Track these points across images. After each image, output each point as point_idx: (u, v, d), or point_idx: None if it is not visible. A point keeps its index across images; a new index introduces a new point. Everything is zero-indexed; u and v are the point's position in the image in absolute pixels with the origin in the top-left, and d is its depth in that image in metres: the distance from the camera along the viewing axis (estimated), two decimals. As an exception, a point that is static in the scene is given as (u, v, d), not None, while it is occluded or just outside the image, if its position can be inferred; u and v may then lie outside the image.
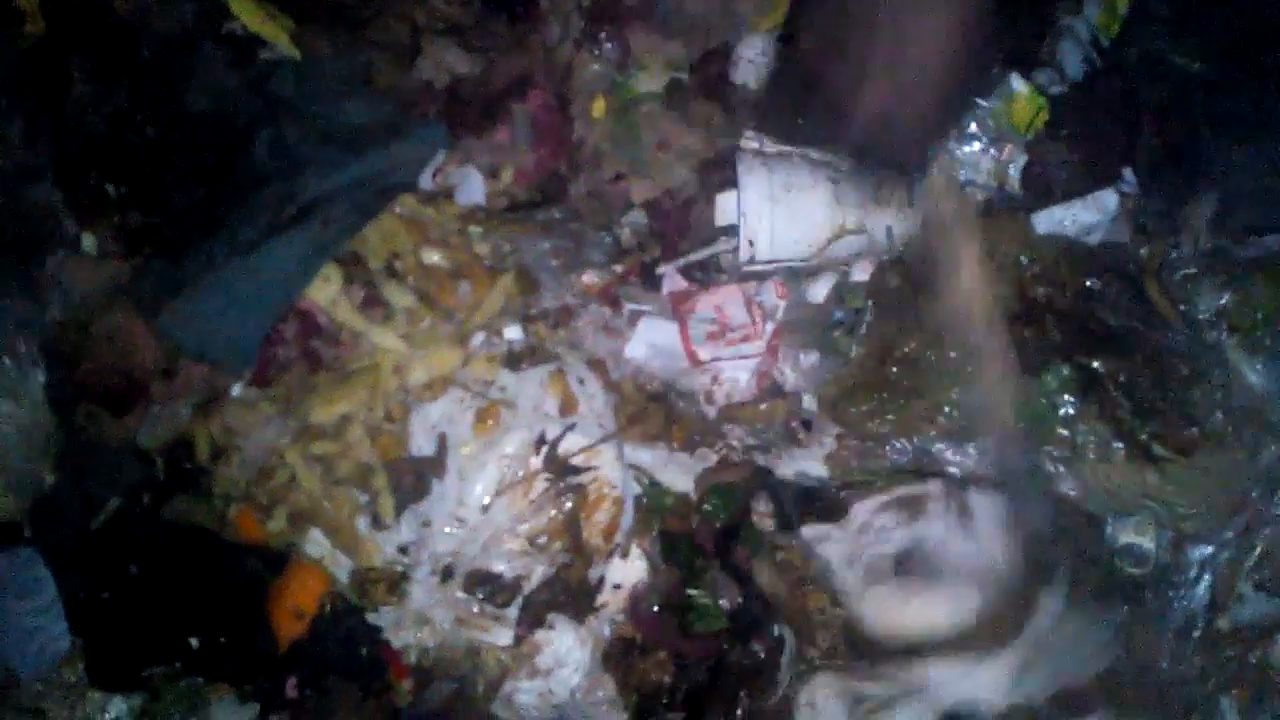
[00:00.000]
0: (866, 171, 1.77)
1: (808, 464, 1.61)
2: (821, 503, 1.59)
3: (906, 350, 1.62)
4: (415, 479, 1.54)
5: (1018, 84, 1.85)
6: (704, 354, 1.67)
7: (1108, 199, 1.72)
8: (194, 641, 1.56)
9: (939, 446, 1.59)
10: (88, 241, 1.65)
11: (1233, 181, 1.79)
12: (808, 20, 1.72)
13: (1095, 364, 1.56)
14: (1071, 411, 1.55)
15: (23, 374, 1.60)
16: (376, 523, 1.55)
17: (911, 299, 1.67)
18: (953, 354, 1.58)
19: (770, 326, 1.69)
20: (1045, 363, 1.56)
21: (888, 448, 1.58)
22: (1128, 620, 1.54)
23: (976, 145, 1.84)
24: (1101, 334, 1.59)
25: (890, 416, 1.60)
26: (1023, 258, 1.66)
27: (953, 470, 1.58)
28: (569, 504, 1.56)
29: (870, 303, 1.69)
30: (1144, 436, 1.51)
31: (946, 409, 1.58)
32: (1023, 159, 1.84)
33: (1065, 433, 1.55)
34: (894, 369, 1.62)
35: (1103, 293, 1.64)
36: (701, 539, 1.64)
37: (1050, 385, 1.55)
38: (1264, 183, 1.80)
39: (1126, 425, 1.52)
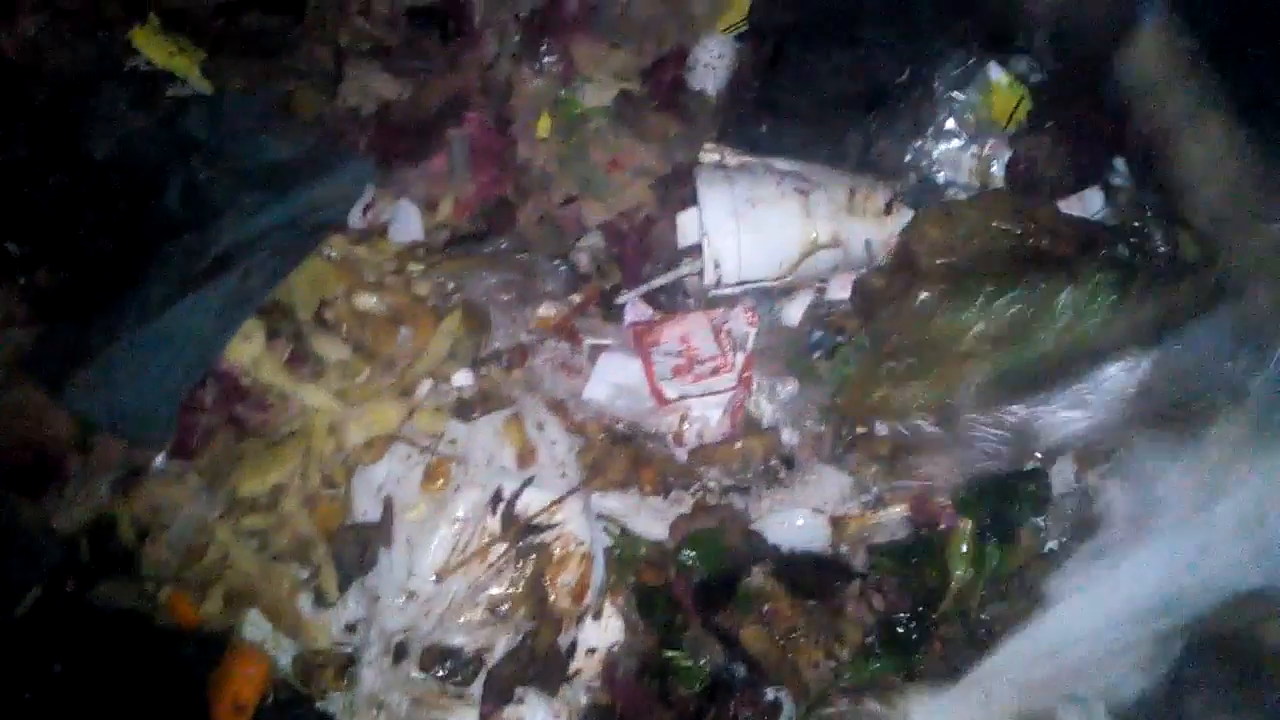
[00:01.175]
0: (838, 180, 1.64)
1: (794, 512, 1.47)
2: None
3: (921, 299, 1.48)
4: (360, 549, 1.41)
5: (996, 74, 1.76)
6: (671, 391, 1.54)
7: (1092, 198, 1.61)
8: (128, 739, 1.44)
9: (970, 416, 1.45)
10: (-11, 307, 1.52)
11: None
12: None
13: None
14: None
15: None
16: (320, 600, 1.42)
17: (895, 290, 1.54)
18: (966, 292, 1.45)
19: (742, 356, 1.56)
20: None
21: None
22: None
23: (956, 142, 1.75)
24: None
25: (918, 379, 1.47)
26: (1015, 229, 1.53)
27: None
28: (532, 566, 1.43)
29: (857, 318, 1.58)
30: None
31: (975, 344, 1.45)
32: (1006, 153, 1.73)
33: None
34: (900, 338, 1.49)
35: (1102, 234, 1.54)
36: (679, 592, 1.51)
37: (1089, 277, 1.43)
38: (1262, 166, 1.69)
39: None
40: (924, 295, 1.45)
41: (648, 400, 1.54)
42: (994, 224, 1.49)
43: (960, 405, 1.45)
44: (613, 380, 1.55)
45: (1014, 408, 1.44)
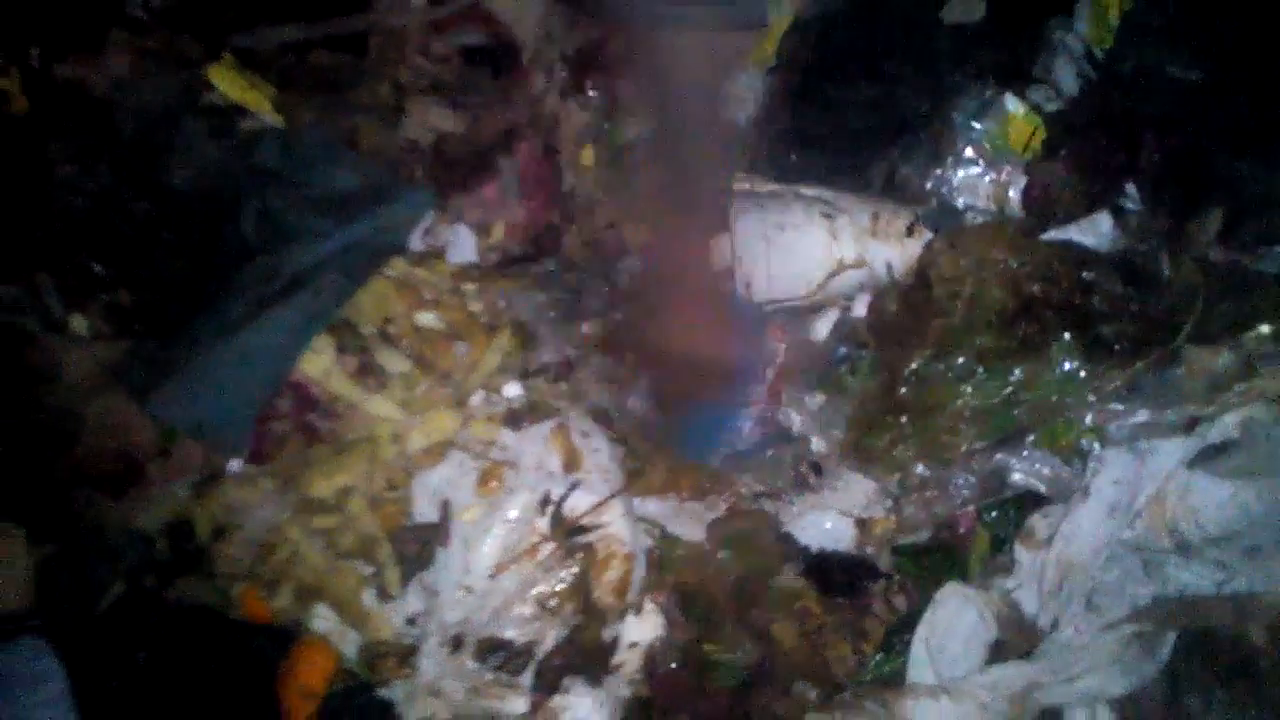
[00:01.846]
0: (862, 205, 1.74)
1: (822, 515, 1.57)
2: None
3: (915, 367, 1.59)
4: (420, 548, 1.52)
5: (1012, 104, 1.84)
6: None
7: (1102, 221, 1.69)
8: (204, 724, 1.53)
9: (1000, 458, 1.55)
10: (77, 323, 1.63)
11: (1238, 192, 1.76)
12: None
13: (1101, 329, 1.54)
14: (1083, 373, 1.51)
15: None
16: (383, 594, 1.52)
17: (911, 317, 1.64)
18: (961, 359, 1.55)
19: (771, 370, 1.66)
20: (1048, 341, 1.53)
21: (956, 483, 1.55)
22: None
23: (974, 169, 1.84)
24: (1101, 312, 1.57)
25: (912, 439, 1.56)
26: (1012, 262, 1.61)
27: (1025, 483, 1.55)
28: (578, 564, 1.53)
29: (872, 337, 1.68)
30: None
31: (967, 414, 1.55)
32: (1022, 180, 1.82)
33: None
34: (904, 390, 1.58)
35: (1097, 281, 1.60)
36: (715, 590, 1.60)
37: (1057, 356, 1.52)
38: (1271, 192, 1.77)
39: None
40: (915, 364, 1.56)
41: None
42: (995, 255, 1.58)
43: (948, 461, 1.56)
44: None
45: (996, 456, 1.55)
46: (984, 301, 1.58)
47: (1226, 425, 1.47)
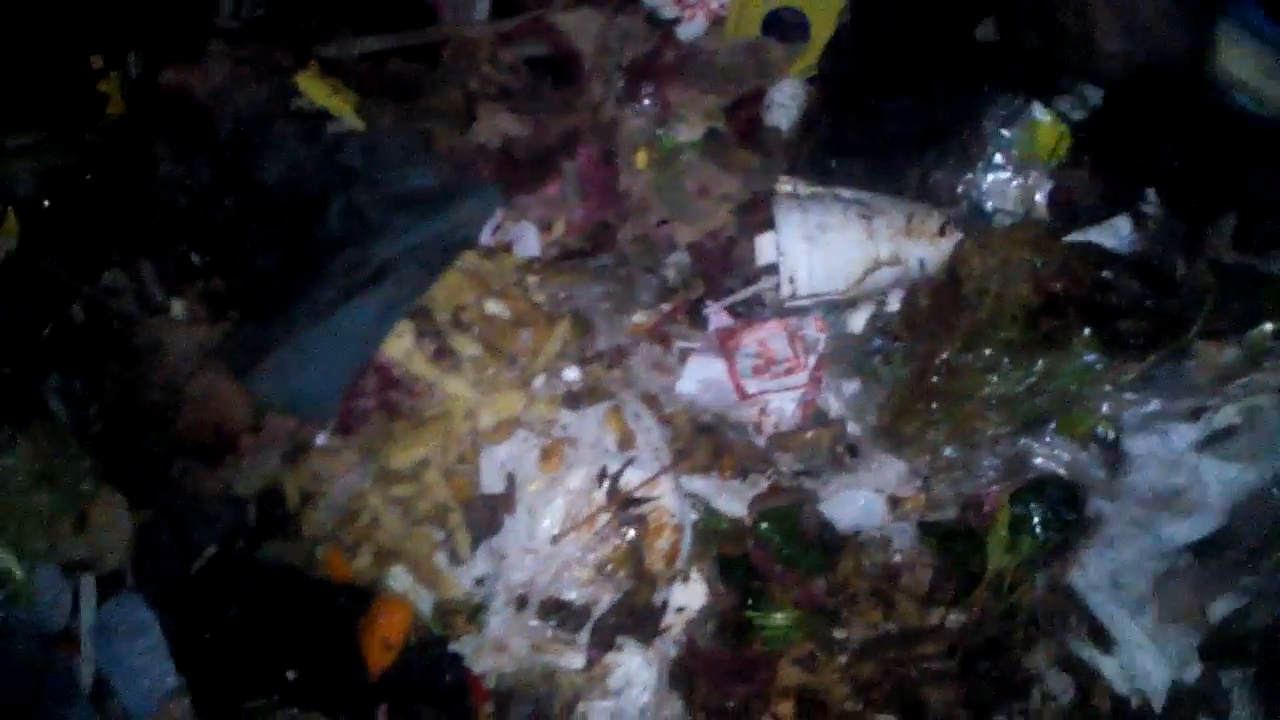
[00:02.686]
0: (897, 207, 1.86)
1: (856, 493, 1.69)
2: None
3: (945, 357, 1.71)
4: (488, 516, 1.65)
5: (1040, 112, 1.92)
6: (751, 387, 1.77)
7: (1122, 225, 1.79)
8: (291, 674, 1.68)
9: (1024, 442, 1.65)
10: (177, 308, 1.79)
11: (1252, 198, 1.86)
12: None
13: (1118, 325, 1.64)
14: (1100, 366, 1.61)
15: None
16: (454, 558, 1.66)
17: (941, 311, 1.76)
18: (988, 350, 1.66)
19: (813, 358, 1.79)
20: (1069, 335, 1.63)
21: (982, 465, 1.66)
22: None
23: (1003, 174, 1.91)
24: (1118, 308, 1.67)
25: (942, 423, 1.68)
26: (1036, 261, 1.71)
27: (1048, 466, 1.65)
28: (632, 533, 1.66)
29: (905, 329, 1.80)
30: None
31: (993, 401, 1.66)
32: (1048, 184, 1.91)
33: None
34: (935, 379, 1.70)
35: (1115, 280, 1.71)
36: (757, 560, 1.73)
37: (1077, 349, 1.62)
38: (1281, 197, 1.88)
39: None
40: (945, 355, 1.66)
41: (731, 395, 1.78)
42: (1021, 254, 1.69)
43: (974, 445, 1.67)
44: (701, 377, 1.78)
45: (1020, 441, 1.65)
46: (1009, 297, 1.69)
47: (1231, 412, 1.59)
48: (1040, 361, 1.61)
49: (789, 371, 1.79)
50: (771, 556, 1.71)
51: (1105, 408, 1.63)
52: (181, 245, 1.80)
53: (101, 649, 1.72)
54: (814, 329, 1.82)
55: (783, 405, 1.77)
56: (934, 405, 1.65)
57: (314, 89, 1.82)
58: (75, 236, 1.85)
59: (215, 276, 1.80)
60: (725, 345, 1.82)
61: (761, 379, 1.78)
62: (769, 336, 1.81)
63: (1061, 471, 1.66)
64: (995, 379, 1.63)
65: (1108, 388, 1.62)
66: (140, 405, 1.76)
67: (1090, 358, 1.62)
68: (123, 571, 1.77)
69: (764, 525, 1.72)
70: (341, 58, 1.87)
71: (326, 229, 1.74)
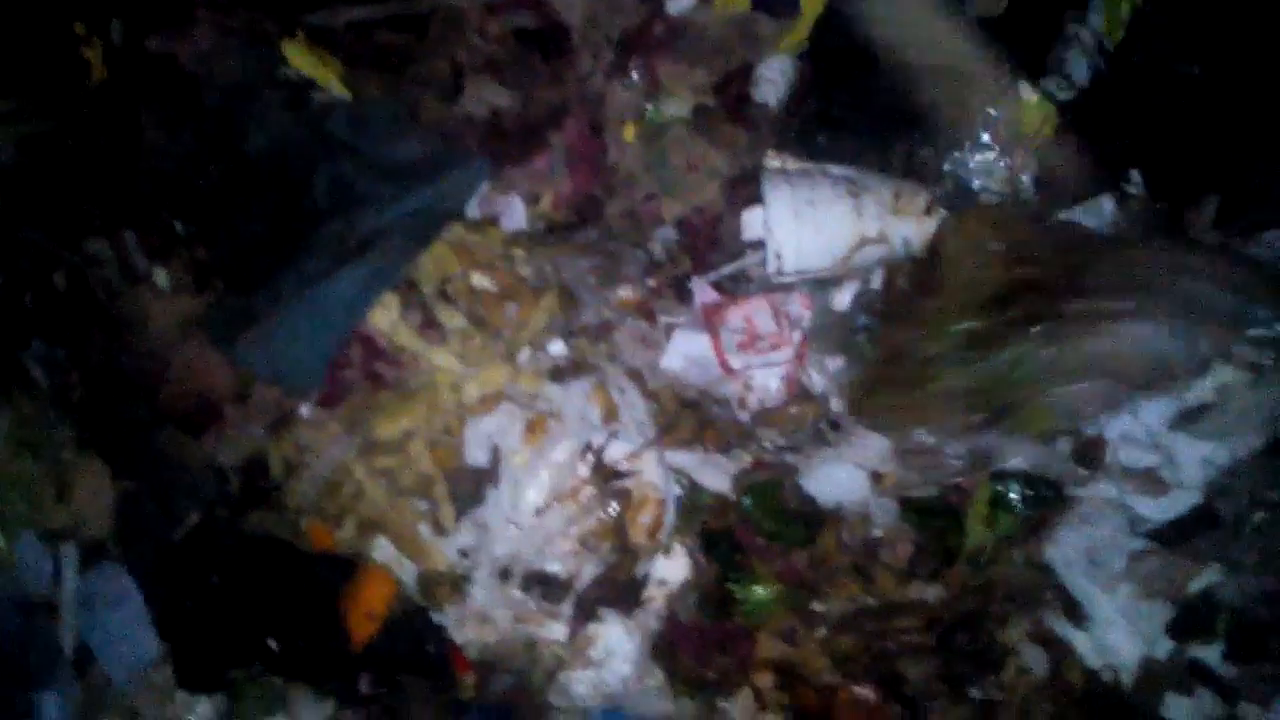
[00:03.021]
0: (884, 184, 1.87)
1: (838, 468, 1.71)
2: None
3: (916, 343, 1.73)
4: (473, 487, 1.66)
5: (1027, 92, 1.93)
6: (736, 363, 1.78)
7: (1105, 204, 1.81)
8: (273, 644, 1.68)
9: (989, 437, 1.66)
10: (161, 277, 1.78)
11: (1235, 182, 1.88)
12: None
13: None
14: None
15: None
16: (438, 529, 1.66)
17: (916, 296, 1.78)
18: (951, 338, 1.68)
19: (797, 335, 1.80)
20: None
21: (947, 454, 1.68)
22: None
23: (989, 153, 1.93)
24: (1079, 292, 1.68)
25: (907, 408, 1.70)
26: (998, 244, 1.74)
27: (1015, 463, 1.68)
28: (615, 506, 1.67)
29: (881, 306, 1.81)
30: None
31: (959, 392, 1.67)
32: (1034, 164, 1.92)
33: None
34: (905, 363, 1.72)
35: (1085, 263, 1.72)
36: (739, 534, 1.75)
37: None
38: (1265, 183, 1.89)
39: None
40: (913, 339, 1.69)
41: (716, 369, 1.79)
42: (993, 236, 1.72)
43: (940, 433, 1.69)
44: (686, 352, 1.79)
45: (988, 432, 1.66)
46: (980, 281, 1.71)
47: (1204, 390, 1.61)
48: (1005, 354, 1.63)
49: (773, 347, 1.80)
50: (754, 530, 1.73)
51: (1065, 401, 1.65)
52: (165, 214, 1.79)
53: (83, 617, 1.71)
54: (799, 305, 1.83)
55: (767, 381, 1.78)
56: (901, 389, 1.67)
57: (301, 58, 1.81)
58: (57, 204, 1.84)
59: (199, 246, 1.79)
60: (710, 321, 1.83)
61: (746, 354, 1.79)
62: (754, 312, 1.82)
63: (1026, 466, 1.68)
64: (960, 369, 1.65)
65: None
66: (124, 374, 1.76)
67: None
68: (105, 540, 1.76)
69: (747, 500, 1.74)
70: (329, 26, 1.85)
71: (312, 199, 1.73)
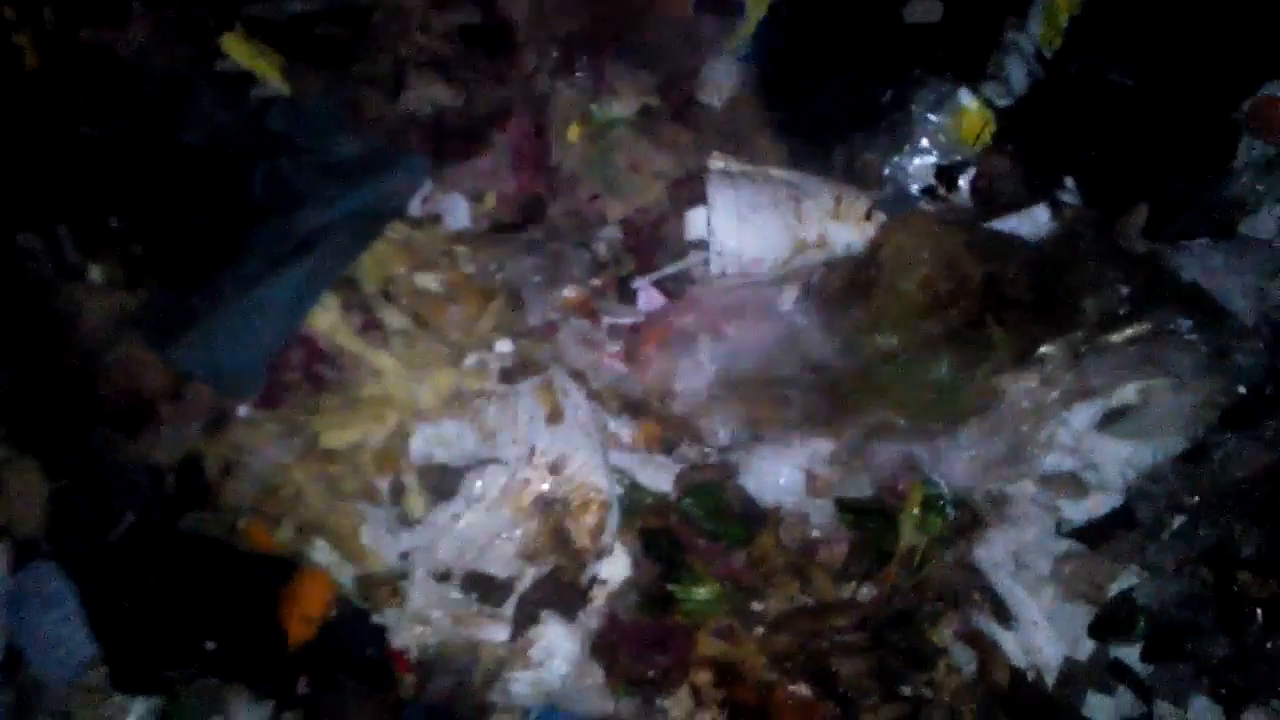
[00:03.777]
0: (826, 188, 1.89)
1: (778, 468, 1.74)
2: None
3: (854, 346, 1.76)
4: (443, 482, 1.66)
5: (966, 98, 1.97)
6: None
7: (1039, 214, 1.85)
8: (210, 645, 1.67)
9: (927, 441, 1.71)
10: (94, 272, 1.74)
11: (1163, 191, 1.93)
12: None
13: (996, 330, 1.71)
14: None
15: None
16: (404, 519, 1.66)
17: (854, 295, 1.81)
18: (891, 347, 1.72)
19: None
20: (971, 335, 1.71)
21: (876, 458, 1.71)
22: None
23: (928, 158, 1.97)
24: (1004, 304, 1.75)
25: (847, 407, 1.73)
26: (933, 251, 1.78)
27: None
28: (559, 508, 1.68)
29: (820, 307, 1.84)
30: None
31: (899, 397, 1.72)
32: (971, 170, 1.97)
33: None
34: (845, 366, 1.75)
35: (1003, 274, 1.78)
36: (681, 535, 1.77)
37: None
38: (1192, 192, 1.95)
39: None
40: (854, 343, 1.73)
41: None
42: (930, 242, 1.76)
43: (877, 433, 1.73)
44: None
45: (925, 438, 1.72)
46: (913, 288, 1.74)
47: (1128, 392, 1.66)
48: (944, 365, 1.68)
49: None
50: (694, 530, 1.75)
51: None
52: (99, 208, 1.75)
53: (14, 618, 1.68)
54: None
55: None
56: (840, 392, 1.70)
57: (239, 51, 1.78)
58: (-13, 195, 1.79)
59: (134, 241, 1.75)
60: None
61: None
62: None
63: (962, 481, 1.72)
64: (900, 376, 1.69)
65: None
66: (56, 371, 1.72)
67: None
68: (37, 539, 1.73)
69: (688, 500, 1.76)
70: (268, 19, 1.82)
71: (250, 196, 1.70)
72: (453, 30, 1.86)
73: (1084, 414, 1.71)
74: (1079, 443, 1.69)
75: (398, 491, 1.67)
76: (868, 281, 1.76)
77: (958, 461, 1.67)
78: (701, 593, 1.72)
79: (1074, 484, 1.68)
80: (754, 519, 1.76)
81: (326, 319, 1.64)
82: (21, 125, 1.80)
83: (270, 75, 1.78)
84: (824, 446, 1.74)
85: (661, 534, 1.77)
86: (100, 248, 1.75)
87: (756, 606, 1.74)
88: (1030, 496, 1.68)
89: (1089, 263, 1.77)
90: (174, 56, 1.75)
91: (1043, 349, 1.67)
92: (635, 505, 1.78)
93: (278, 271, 1.61)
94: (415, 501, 1.64)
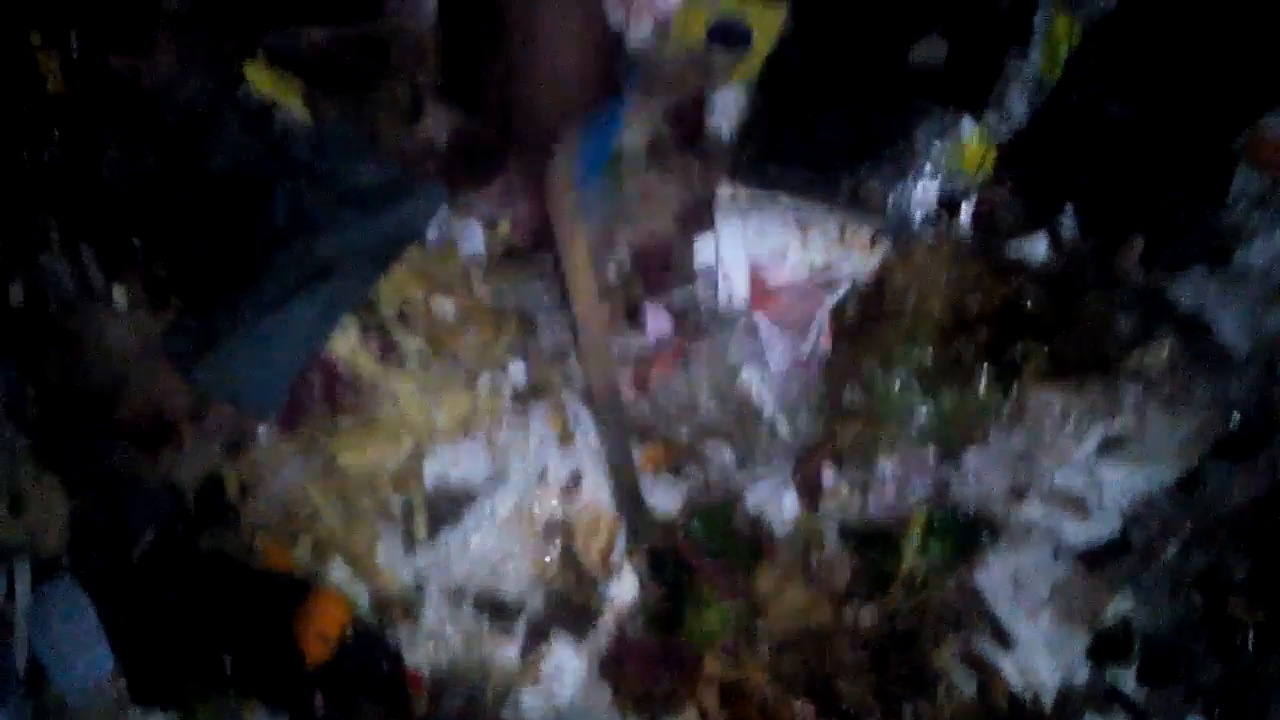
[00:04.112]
0: (831, 217, 1.93)
1: (782, 489, 1.78)
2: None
3: (862, 373, 1.80)
4: (450, 506, 1.70)
5: (967, 129, 2.00)
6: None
7: (1038, 244, 1.90)
8: (227, 661, 1.71)
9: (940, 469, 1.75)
10: (118, 294, 1.78)
11: (1160, 220, 1.98)
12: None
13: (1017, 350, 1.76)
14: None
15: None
16: (408, 542, 1.70)
17: (867, 325, 1.85)
18: (899, 375, 1.77)
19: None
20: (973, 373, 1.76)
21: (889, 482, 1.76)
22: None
23: (931, 187, 2.00)
24: (1022, 323, 1.80)
25: (847, 436, 1.78)
26: (943, 277, 1.83)
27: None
28: (569, 530, 1.73)
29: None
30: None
31: (898, 427, 1.76)
32: (972, 199, 2.01)
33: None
34: (849, 394, 1.80)
35: (1021, 293, 1.83)
36: (688, 556, 1.80)
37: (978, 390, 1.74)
38: (1189, 221, 2.00)
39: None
40: (863, 366, 1.78)
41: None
42: (937, 270, 1.80)
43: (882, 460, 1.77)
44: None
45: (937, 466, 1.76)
46: (924, 314, 1.79)
47: (1127, 419, 1.70)
48: (948, 395, 1.72)
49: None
50: (702, 551, 1.79)
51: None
52: (123, 231, 1.79)
53: (36, 633, 1.72)
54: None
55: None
56: (858, 419, 1.74)
57: (261, 79, 1.81)
58: (12, 217, 1.83)
59: (158, 264, 1.79)
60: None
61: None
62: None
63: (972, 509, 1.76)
64: (906, 405, 1.73)
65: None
66: (80, 391, 1.76)
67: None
68: (59, 556, 1.77)
69: (696, 522, 1.80)
70: (290, 48, 1.86)
71: (271, 221, 1.74)
72: (468, 60, 1.90)
73: (1092, 435, 1.75)
74: (1088, 462, 1.73)
75: (409, 513, 1.69)
76: (882, 308, 1.80)
77: (975, 477, 1.71)
78: (708, 614, 1.76)
79: (1077, 505, 1.72)
80: (761, 541, 1.80)
81: (345, 343, 1.68)
82: (46, 148, 1.85)
83: (291, 103, 1.82)
84: (830, 472, 1.78)
85: (669, 555, 1.80)
86: (124, 270, 1.79)
87: (762, 626, 1.77)
88: (1031, 521, 1.72)
89: (1091, 289, 1.80)
90: (199, 85, 1.79)
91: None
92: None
93: (298, 296, 1.65)
94: (421, 522, 1.67)
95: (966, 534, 1.73)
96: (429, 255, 1.80)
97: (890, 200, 2.01)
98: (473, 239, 1.86)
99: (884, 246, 1.92)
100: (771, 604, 1.78)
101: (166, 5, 1.87)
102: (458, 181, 1.85)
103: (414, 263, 1.78)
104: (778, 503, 1.81)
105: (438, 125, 1.87)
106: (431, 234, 1.84)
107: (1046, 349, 1.72)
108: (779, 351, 1.83)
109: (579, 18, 1.86)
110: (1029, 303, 1.82)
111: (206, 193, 1.77)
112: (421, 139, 1.87)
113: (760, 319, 1.87)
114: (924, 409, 1.73)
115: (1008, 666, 1.70)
